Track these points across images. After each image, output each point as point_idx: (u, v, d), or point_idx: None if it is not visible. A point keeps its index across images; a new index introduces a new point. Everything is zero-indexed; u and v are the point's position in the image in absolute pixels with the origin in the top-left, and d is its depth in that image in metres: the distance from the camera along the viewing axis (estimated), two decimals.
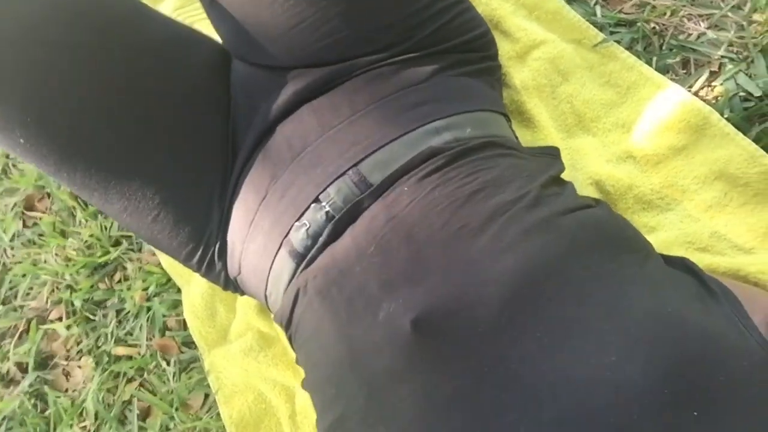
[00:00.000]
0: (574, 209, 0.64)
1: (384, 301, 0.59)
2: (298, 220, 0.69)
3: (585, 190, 0.83)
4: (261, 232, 0.73)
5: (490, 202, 0.62)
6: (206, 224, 0.78)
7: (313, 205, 0.69)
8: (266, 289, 0.76)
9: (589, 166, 0.84)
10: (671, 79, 0.85)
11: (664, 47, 0.89)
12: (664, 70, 0.87)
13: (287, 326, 0.74)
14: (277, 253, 0.72)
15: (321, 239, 0.68)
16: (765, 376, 0.50)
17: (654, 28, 0.90)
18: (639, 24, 0.89)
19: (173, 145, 0.74)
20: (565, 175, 0.83)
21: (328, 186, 0.68)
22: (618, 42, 0.90)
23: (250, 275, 0.78)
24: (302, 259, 0.70)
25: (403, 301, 0.58)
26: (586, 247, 0.59)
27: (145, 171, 0.74)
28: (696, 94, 0.86)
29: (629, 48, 0.90)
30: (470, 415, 0.53)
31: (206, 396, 1.03)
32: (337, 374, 0.63)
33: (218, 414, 0.98)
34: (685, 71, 0.88)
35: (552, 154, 0.77)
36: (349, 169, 0.68)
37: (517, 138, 0.79)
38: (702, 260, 0.75)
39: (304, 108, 0.74)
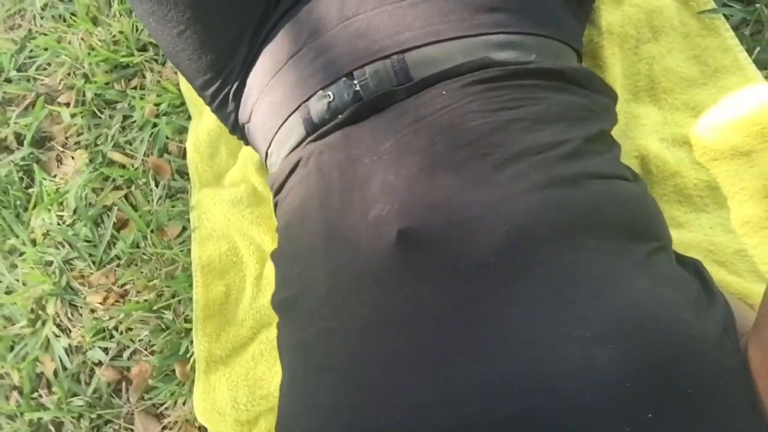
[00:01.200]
0: (610, 176, 0.58)
1: (379, 202, 0.56)
2: (323, 88, 0.64)
3: (627, 161, 0.76)
4: (282, 86, 0.68)
5: (526, 136, 0.57)
6: (231, 58, 0.73)
7: (344, 78, 0.63)
8: (269, 146, 0.73)
9: (640, 138, 0.78)
10: (766, 78, 0.77)
11: None
12: (762, 64, 0.77)
13: (277, 191, 0.70)
14: (291, 115, 0.68)
15: (340, 117, 0.63)
16: (735, 399, 0.46)
17: None
18: (758, 5, 0.79)
19: None
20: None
21: (367, 64, 0.63)
22: (726, 17, 0.81)
23: (257, 127, 0.74)
24: (314, 129, 0.66)
25: (398, 207, 0.55)
26: (604, 219, 0.54)
27: None
28: None
29: (735, 28, 0.80)
30: (422, 344, 0.50)
31: (183, 229, 1.02)
32: (308, 255, 0.61)
33: (189, 250, 0.98)
34: None
35: (612, 98, 0.70)
36: (394, 53, 0.62)
37: None
38: (716, 273, 0.70)
39: None
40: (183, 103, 1.07)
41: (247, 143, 0.84)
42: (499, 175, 0.54)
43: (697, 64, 0.80)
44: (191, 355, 0.93)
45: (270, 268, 0.91)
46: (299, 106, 0.66)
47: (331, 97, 0.64)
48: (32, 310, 1.06)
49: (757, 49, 0.78)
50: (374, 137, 0.60)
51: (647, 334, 0.46)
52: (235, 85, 0.75)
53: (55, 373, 1.02)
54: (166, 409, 0.94)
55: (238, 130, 0.81)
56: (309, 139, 0.66)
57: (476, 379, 0.47)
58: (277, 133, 0.70)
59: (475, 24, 0.63)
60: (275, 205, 0.73)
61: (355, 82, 0.63)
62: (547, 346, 0.46)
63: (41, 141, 1.16)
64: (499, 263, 0.50)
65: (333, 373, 0.54)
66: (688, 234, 0.73)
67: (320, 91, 0.65)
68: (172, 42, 0.72)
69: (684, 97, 0.79)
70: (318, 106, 0.65)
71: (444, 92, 0.60)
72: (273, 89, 0.69)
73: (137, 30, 1.14)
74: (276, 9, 0.71)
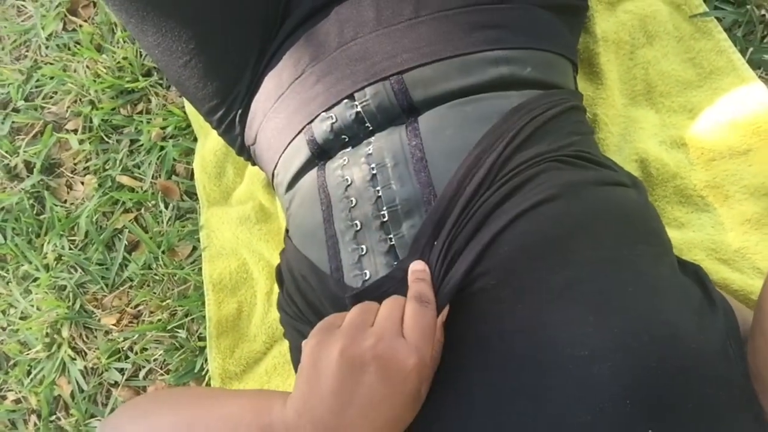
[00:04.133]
0: (610, 183, 0.60)
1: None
2: (326, 111, 0.66)
3: (628, 165, 0.78)
4: (286, 110, 0.70)
5: (522, 151, 0.59)
6: (235, 84, 0.75)
7: (345, 100, 0.65)
8: (275, 167, 0.74)
9: (639, 141, 0.79)
10: (760, 77, 0.78)
11: (766, 40, 0.81)
12: (756, 64, 0.79)
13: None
14: (295, 137, 0.69)
15: (344, 137, 0.65)
16: (737, 411, 0.47)
17: (763, 16, 0.81)
18: (749, 7, 0.81)
19: None
20: (612, 144, 0.79)
21: (367, 86, 0.64)
22: (719, 20, 0.82)
23: (263, 149, 0.76)
24: (319, 150, 0.67)
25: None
26: (605, 225, 0.55)
27: (186, 12, 0.69)
28: None
29: (728, 30, 0.81)
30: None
31: (194, 249, 1.03)
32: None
33: (200, 269, 0.99)
34: None
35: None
36: (393, 75, 0.64)
37: (577, 89, 0.74)
38: (719, 271, 0.71)
39: None
40: (189, 126, 1.09)
41: (254, 164, 0.86)
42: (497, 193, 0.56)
43: (692, 67, 0.81)
44: (206, 373, 0.94)
45: None
46: (303, 128, 0.68)
47: (334, 118, 0.66)
48: (47, 335, 1.08)
49: (750, 49, 0.79)
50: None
51: (650, 350, 0.46)
52: (240, 110, 0.76)
53: (72, 396, 1.03)
54: None
55: (245, 151, 0.82)
56: (314, 159, 0.68)
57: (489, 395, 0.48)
58: (282, 154, 0.71)
59: (471, 42, 0.64)
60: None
61: (356, 103, 0.65)
62: (548, 366, 0.47)
63: (50, 168, 1.18)
64: (499, 285, 0.52)
65: None
66: (691, 234, 0.74)
67: (323, 113, 0.66)
68: (178, 71, 0.74)
69: (680, 99, 0.81)
70: (321, 127, 0.66)
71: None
72: (277, 112, 0.71)
73: (141, 56, 1.16)
74: (277, 36, 0.73)
